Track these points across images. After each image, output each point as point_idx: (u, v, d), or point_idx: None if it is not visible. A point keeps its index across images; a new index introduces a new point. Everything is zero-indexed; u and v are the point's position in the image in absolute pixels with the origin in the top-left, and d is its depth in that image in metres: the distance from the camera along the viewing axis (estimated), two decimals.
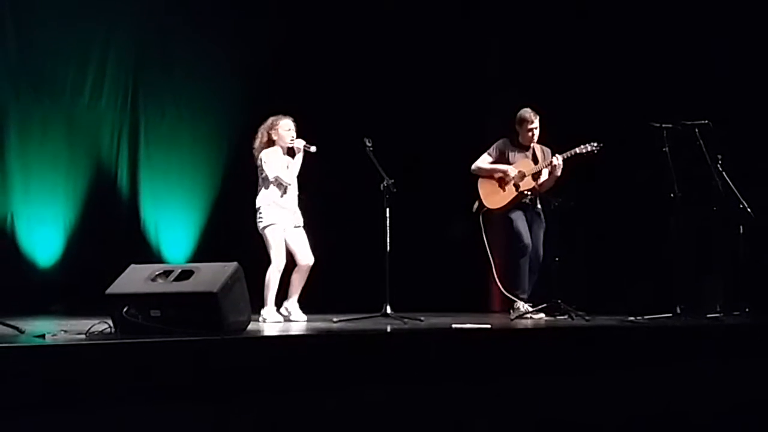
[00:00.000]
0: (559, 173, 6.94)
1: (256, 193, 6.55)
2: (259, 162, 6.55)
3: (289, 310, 6.52)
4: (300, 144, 6.54)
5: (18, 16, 7.96)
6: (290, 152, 6.64)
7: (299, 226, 6.60)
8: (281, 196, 6.52)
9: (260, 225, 6.49)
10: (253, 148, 6.62)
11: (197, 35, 8.73)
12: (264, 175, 6.53)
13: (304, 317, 6.51)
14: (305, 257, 6.54)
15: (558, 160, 6.91)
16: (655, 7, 8.44)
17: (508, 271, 7.12)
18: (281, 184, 6.50)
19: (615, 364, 5.27)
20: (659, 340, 5.69)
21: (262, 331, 5.51)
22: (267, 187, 6.54)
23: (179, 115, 8.80)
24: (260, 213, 6.50)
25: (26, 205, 7.96)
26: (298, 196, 6.56)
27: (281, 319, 6.41)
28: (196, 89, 8.84)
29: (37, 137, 8.07)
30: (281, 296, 6.57)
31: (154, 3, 8.55)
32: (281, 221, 6.50)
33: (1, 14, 7.85)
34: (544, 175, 7.05)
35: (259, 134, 6.64)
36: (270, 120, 6.64)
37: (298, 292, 6.56)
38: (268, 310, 6.42)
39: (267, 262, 6.44)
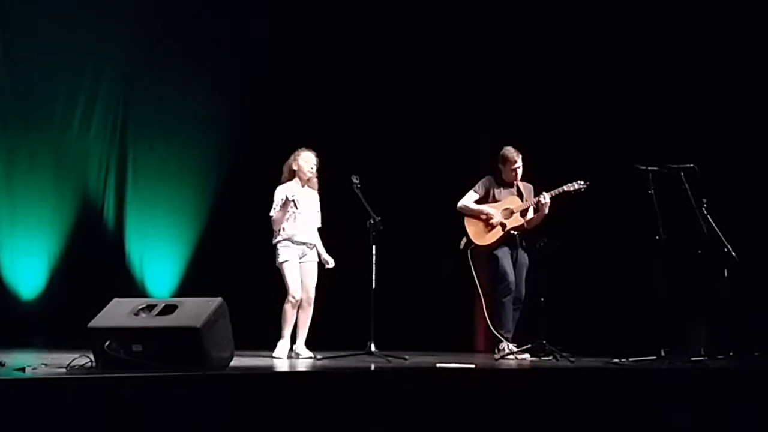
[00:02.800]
0: (546, 211, 6.97)
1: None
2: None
3: (297, 352, 6.57)
4: (290, 195, 6.54)
5: (8, 45, 7.98)
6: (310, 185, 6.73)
7: (315, 261, 6.66)
8: (295, 230, 6.58)
9: (277, 261, 6.60)
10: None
11: (187, 68, 8.75)
12: None
13: (310, 354, 6.54)
14: (306, 291, 6.61)
15: (545, 199, 6.95)
16: (643, 46, 8.52)
17: (492, 309, 7.11)
18: (279, 221, 6.56)
19: (599, 406, 5.25)
20: (643, 383, 5.68)
21: (244, 367, 5.47)
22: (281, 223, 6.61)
23: (168, 149, 8.80)
24: (278, 249, 6.61)
25: (11, 237, 7.92)
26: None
27: (284, 356, 6.47)
28: (185, 123, 8.85)
29: (24, 167, 8.05)
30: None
31: (145, 35, 8.58)
32: (296, 256, 6.59)
33: None
34: (531, 213, 7.09)
35: (284, 168, 6.76)
36: (294, 153, 6.74)
37: (305, 333, 6.62)
38: (281, 347, 6.51)
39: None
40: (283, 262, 6.58)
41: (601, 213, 8.10)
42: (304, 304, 6.61)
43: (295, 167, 6.70)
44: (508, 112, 9.03)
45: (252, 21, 8.89)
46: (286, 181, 6.73)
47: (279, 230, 6.60)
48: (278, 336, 6.55)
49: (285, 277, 6.57)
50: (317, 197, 6.78)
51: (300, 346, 6.60)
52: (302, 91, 8.89)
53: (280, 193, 6.64)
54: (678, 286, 7.18)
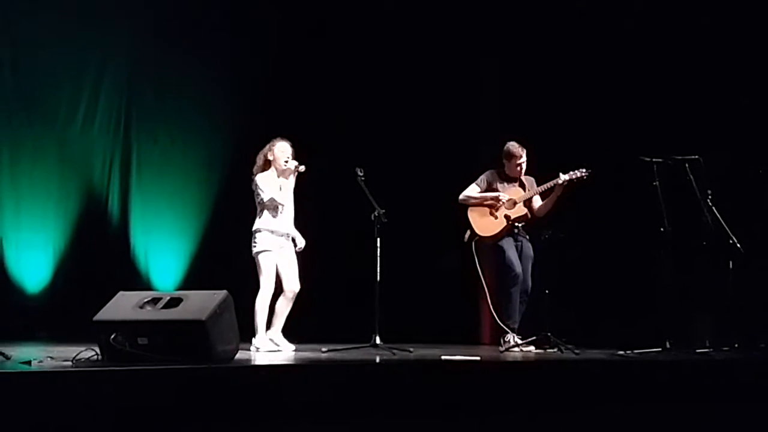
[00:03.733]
0: (560, 192, 6.92)
1: (253, 219, 6.55)
2: (254, 187, 6.55)
3: (274, 341, 6.46)
4: (292, 165, 6.50)
5: (13, 40, 7.99)
6: (285, 175, 6.61)
7: (293, 251, 6.58)
8: (276, 221, 6.50)
9: (254, 250, 6.50)
10: (252, 173, 6.62)
11: (190, 62, 8.76)
12: (259, 199, 6.52)
13: (292, 346, 6.47)
14: (291, 283, 6.51)
15: (562, 179, 6.86)
16: (648, 39, 8.50)
17: (498, 300, 7.11)
18: (276, 206, 6.48)
19: (604, 398, 5.26)
20: (648, 375, 5.68)
21: (250, 360, 5.48)
22: (262, 212, 6.55)
23: (171, 142, 8.81)
24: (255, 238, 6.51)
25: (16, 230, 7.94)
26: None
27: (275, 347, 6.38)
28: (188, 116, 8.85)
29: (28, 161, 8.07)
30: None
31: (148, 30, 8.58)
32: (275, 247, 6.50)
33: None
34: (538, 202, 7.06)
35: (258, 158, 6.65)
36: (269, 143, 6.64)
37: (282, 321, 6.52)
38: (261, 339, 6.39)
39: (257, 289, 6.44)
40: (260, 252, 6.44)
41: (606, 205, 8.09)
42: (289, 294, 6.48)
43: (270, 157, 6.57)
44: (512, 105, 9.02)
45: (254, 14, 8.89)
46: (260, 170, 6.59)
47: (263, 217, 6.48)
48: (252, 332, 6.36)
49: (260, 268, 6.43)
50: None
51: (276, 333, 6.47)
52: (306, 84, 8.89)
53: (267, 180, 6.53)
54: (683, 278, 7.17)
